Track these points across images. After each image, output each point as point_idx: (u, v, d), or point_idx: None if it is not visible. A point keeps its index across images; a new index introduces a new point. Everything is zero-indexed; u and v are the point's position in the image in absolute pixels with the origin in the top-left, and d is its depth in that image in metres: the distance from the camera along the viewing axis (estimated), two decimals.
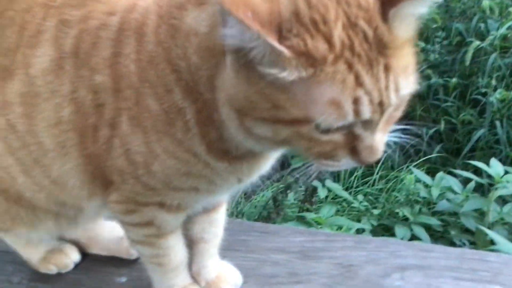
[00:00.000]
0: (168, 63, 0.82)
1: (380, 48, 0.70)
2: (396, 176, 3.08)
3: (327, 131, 0.71)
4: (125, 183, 0.93)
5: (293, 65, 0.67)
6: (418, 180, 2.71)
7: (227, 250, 1.17)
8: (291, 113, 0.70)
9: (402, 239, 2.20)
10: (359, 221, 2.32)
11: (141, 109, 0.85)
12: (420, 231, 2.28)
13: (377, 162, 3.26)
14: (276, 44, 0.66)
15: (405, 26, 0.72)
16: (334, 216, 1.75)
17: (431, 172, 3.11)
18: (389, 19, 0.70)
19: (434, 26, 3.15)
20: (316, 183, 1.87)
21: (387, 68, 0.70)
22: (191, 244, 1.11)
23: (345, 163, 0.77)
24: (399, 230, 2.27)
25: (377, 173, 3.14)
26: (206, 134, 0.84)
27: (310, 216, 1.76)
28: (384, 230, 2.43)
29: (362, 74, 0.68)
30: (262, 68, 0.68)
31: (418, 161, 3.10)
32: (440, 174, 2.52)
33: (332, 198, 2.25)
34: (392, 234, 2.28)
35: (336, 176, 3.08)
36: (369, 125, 0.72)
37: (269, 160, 0.96)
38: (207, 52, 0.77)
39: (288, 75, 0.67)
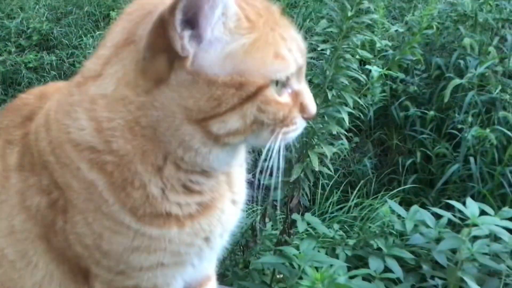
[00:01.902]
0: (69, 142, 0.87)
1: (271, 13, 0.86)
2: (371, 204, 3.13)
3: (278, 91, 0.83)
4: (96, 271, 0.94)
5: (245, 29, 0.80)
6: (392, 211, 2.75)
7: None
8: (254, 83, 0.80)
9: (375, 271, 2.22)
10: (334, 249, 2.35)
11: (70, 191, 0.89)
12: (393, 264, 2.31)
13: (353, 189, 3.32)
14: (238, 9, 0.79)
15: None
16: (313, 251, 1.76)
17: (405, 201, 3.17)
18: None
19: (414, 59, 3.22)
20: (295, 216, 1.88)
21: (286, 26, 0.87)
22: None
23: (300, 122, 0.89)
24: (373, 262, 2.29)
25: (352, 200, 3.18)
26: (127, 199, 0.86)
27: (289, 250, 1.77)
28: (358, 260, 2.46)
29: (280, 31, 0.84)
30: (223, 48, 0.78)
31: (393, 191, 3.16)
32: (414, 207, 2.56)
33: (308, 224, 2.25)
34: (366, 264, 2.31)
35: (311, 201, 3.11)
36: (300, 75, 0.87)
37: (231, 209, 0.97)
38: (120, 103, 0.84)
39: (242, 42, 0.79)
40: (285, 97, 0.85)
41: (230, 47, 0.80)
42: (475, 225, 2.19)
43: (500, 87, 3.12)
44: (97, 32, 4.57)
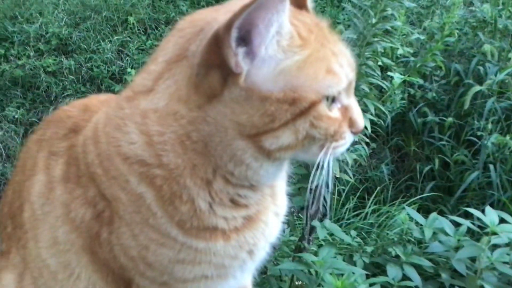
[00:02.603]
0: (118, 155, 0.89)
1: (321, 28, 0.87)
2: (388, 211, 3.11)
3: (331, 102, 0.84)
4: (139, 282, 0.95)
5: (298, 46, 0.81)
6: (410, 218, 2.73)
7: None
8: (307, 98, 0.81)
9: (393, 279, 2.21)
10: (351, 256, 2.34)
11: (118, 203, 0.90)
12: (411, 272, 2.29)
13: (369, 195, 3.30)
14: (291, 26, 0.80)
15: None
16: (333, 258, 1.75)
17: (423, 209, 3.15)
18: (309, 10, 0.92)
19: (433, 65, 3.19)
20: (315, 223, 1.87)
21: (336, 41, 0.88)
22: None
23: (349, 137, 0.90)
24: (391, 270, 2.28)
25: (369, 207, 3.16)
26: (174, 212, 0.87)
27: (308, 257, 1.76)
28: (375, 267, 2.44)
29: (331, 46, 0.85)
30: (277, 65, 0.79)
31: (410, 199, 3.13)
32: (433, 214, 2.54)
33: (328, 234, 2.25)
34: (383, 272, 2.29)
35: (328, 208, 3.09)
36: (350, 90, 0.88)
37: (274, 222, 0.98)
38: (171, 117, 0.85)
39: (296, 58, 0.80)
40: (335, 112, 0.86)
41: (284, 64, 0.81)
42: (494, 233, 2.17)
43: None
44: (115, 37, 4.60)
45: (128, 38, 4.59)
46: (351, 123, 0.89)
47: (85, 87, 4.20)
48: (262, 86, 0.80)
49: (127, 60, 4.37)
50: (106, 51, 4.43)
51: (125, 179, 0.88)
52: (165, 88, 0.86)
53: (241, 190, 0.90)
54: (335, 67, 0.83)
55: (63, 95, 4.12)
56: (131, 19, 4.68)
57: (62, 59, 4.44)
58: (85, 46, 4.56)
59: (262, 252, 0.98)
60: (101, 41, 4.58)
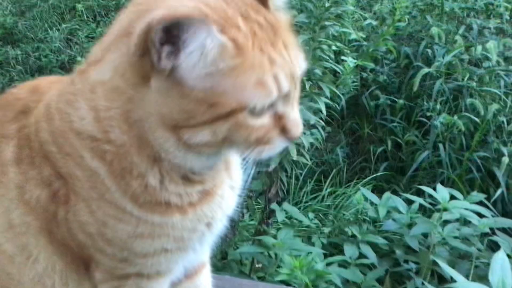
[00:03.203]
0: (71, 131, 0.88)
1: (274, 30, 0.83)
2: (344, 192, 3.18)
3: (259, 113, 0.81)
4: (99, 259, 0.95)
5: (229, 56, 0.77)
6: (365, 198, 2.81)
7: None
8: (227, 106, 0.78)
9: (350, 257, 2.27)
10: (309, 237, 2.39)
11: (74, 180, 0.89)
12: (367, 250, 2.36)
13: (326, 178, 3.36)
14: (223, 36, 0.77)
15: (280, 11, 0.89)
16: (291, 240, 1.79)
17: (377, 189, 3.24)
18: (269, 7, 0.87)
19: (384, 49, 3.27)
20: (274, 206, 1.90)
21: (285, 45, 0.83)
22: None
23: (278, 143, 0.87)
24: (348, 249, 2.34)
25: (326, 189, 3.23)
26: (127, 187, 0.87)
27: (268, 240, 1.79)
28: (333, 247, 2.50)
29: (271, 54, 0.80)
30: (202, 70, 0.76)
31: (365, 179, 3.22)
32: (386, 194, 2.62)
33: (286, 217, 2.29)
34: (341, 251, 2.35)
35: (285, 192, 3.14)
36: (287, 99, 0.84)
37: (230, 195, 0.99)
38: (115, 92, 0.84)
39: (224, 66, 0.77)
40: (263, 119, 0.83)
41: (209, 69, 0.78)
42: (445, 209, 2.26)
43: (467, 75, 3.19)
44: (63, 25, 4.48)
45: (77, 26, 4.47)
46: (285, 131, 0.86)
47: (33, 77, 4.07)
48: (184, 83, 0.79)
49: (77, 48, 4.27)
50: (54, 39, 4.30)
51: (79, 155, 0.87)
52: (110, 61, 0.85)
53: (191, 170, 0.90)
54: (267, 79, 0.79)
55: (10, 86, 3.99)
56: (79, 6, 4.56)
57: (8, 49, 4.29)
58: (32, 35, 4.42)
59: (220, 224, 0.99)
60: (49, 30, 4.45)
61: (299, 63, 0.86)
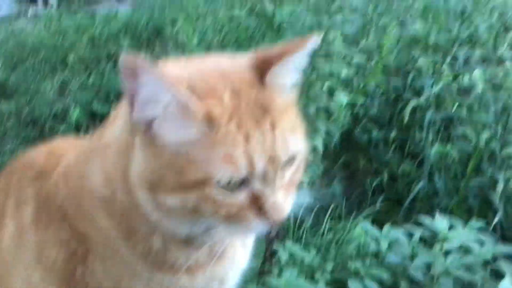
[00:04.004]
0: (85, 191, 0.90)
1: (264, 109, 0.80)
2: (344, 226, 3.17)
3: (231, 188, 0.78)
4: None
5: (198, 124, 0.76)
6: (366, 232, 2.80)
7: None
8: (192, 175, 0.76)
9: None
10: (312, 276, 2.37)
11: (90, 239, 0.92)
12: (371, 284, 2.34)
13: (325, 213, 3.36)
14: (190, 99, 0.76)
15: (281, 91, 0.85)
16: (296, 280, 1.78)
17: (376, 221, 3.23)
18: (266, 84, 0.83)
19: (373, 83, 3.33)
20: (277, 246, 1.90)
21: (273, 126, 0.80)
22: None
23: (255, 224, 0.82)
24: (352, 284, 2.32)
25: (325, 224, 3.21)
26: (135, 247, 0.88)
27: (273, 281, 1.78)
28: (337, 283, 2.48)
29: (250, 131, 0.78)
30: (170, 133, 0.76)
31: (364, 213, 3.22)
32: (387, 226, 2.62)
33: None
34: (345, 287, 2.33)
35: (286, 229, 3.12)
36: (266, 181, 0.80)
37: (241, 253, 0.98)
38: (120, 152, 0.84)
39: (192, 134, 0.76)
40: (236, 196, 0.79)
41: (177, 133, 0.77)
42: (446, 239, 2.26)
43: (456, 104, 3.24)
44: (56, 77, 4.53)
45: (69, 77, 4.51)
46: (262, 213, 0.81)
47: (26, 131, 4.08)
48: (158, 142, 0.78)
49: (70, 99, 4.30)
50: (47, 91, 4.34)
51: (93, 215, 0.88)
52: (121, 118, 0.87)
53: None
54: (237, 155, 0.76)
55: (3, 141, 4.00)
56: (70, 57, 4.62)
57: (1, 103, 4.32)
58: (24, 88, 4.45)
59: (233, 280, 0.99)
60: (41, 82, 4.49)
61: (287, 147, 0.82)
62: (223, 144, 0.77)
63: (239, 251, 0.97)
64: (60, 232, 0.92)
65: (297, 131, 0.84)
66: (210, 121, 0.76)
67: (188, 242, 0.90)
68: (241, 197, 0.80)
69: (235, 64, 0.86)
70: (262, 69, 0.83)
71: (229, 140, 0.77)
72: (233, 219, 0.81)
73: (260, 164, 0.78)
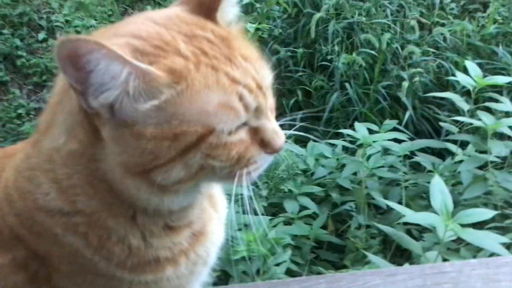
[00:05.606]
0: (37, 209, 0.82)
1: (227, 45, 0.78)
2: None
3: (230, 132, 0.75)
4: None
5: (166, 85, 0.71)
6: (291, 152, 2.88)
7: None
8: (193, 132, 0.72)
9: (292, 212, 2.33)
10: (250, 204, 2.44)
11: (52, 258, 0.85)
12: (306, 201, 2.43)
13: None
14: (148, 66, 0.70)
15: (231, 26, 0.84)
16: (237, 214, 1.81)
17: (299, 140, 3.32)
18: (217, 21, 0.81)
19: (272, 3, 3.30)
20: None
21: (244, 57, 0.78)
22: None
23: (262, 159, 0.81)
24: (288, 205, 2.40)
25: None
26: (110, 255, 0.83)
27: None
28: (274, 207, 2.55)
29: (228, 70, 0.74)
30: (142, 105, 0.70)
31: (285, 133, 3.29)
32: (311, 143, 2.70)
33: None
34: (282, 209, 2.41)
35: None
36: (260, 112, 0.78)
37: (219, 227, 0.96)
38: (73, 156, 0.78)
39: (166, 97, 0.71)
40: (239, 135, 0.77)
41: (150, 103, 0.72)
42: (367, 145, 2.38)
43: (356, 12, 3.31)
44: None
45: None
46: (264, 144, 0.79)
47: None
48: (132, 123, 0.72)
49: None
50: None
51: (52, 233, 0.81)
52: (61, 122, 0.78)
53: (172, 215, 0.85)
54: (231, 100, 0.73)
55: None
56: None
57: None
58: None
59: (214, 258, 0.97)
60: None
61: (266, 73, 0.80)
62: (208, 91, 0.72)
63: (216, 227, 0.95)
64: (15, 256, 0.85)
65: (261, 58, 0.82)
66: (176, 76, 0.71)
67: (170, 226, 0.86)
68: (243, 136, 0.77)
69: (169, 14, 0.80)
70: (208, 9, 0.81)
71: (212, 85, 0.73)
72: (241, 163, 0.78)
73: (252, 102, 0.76)
